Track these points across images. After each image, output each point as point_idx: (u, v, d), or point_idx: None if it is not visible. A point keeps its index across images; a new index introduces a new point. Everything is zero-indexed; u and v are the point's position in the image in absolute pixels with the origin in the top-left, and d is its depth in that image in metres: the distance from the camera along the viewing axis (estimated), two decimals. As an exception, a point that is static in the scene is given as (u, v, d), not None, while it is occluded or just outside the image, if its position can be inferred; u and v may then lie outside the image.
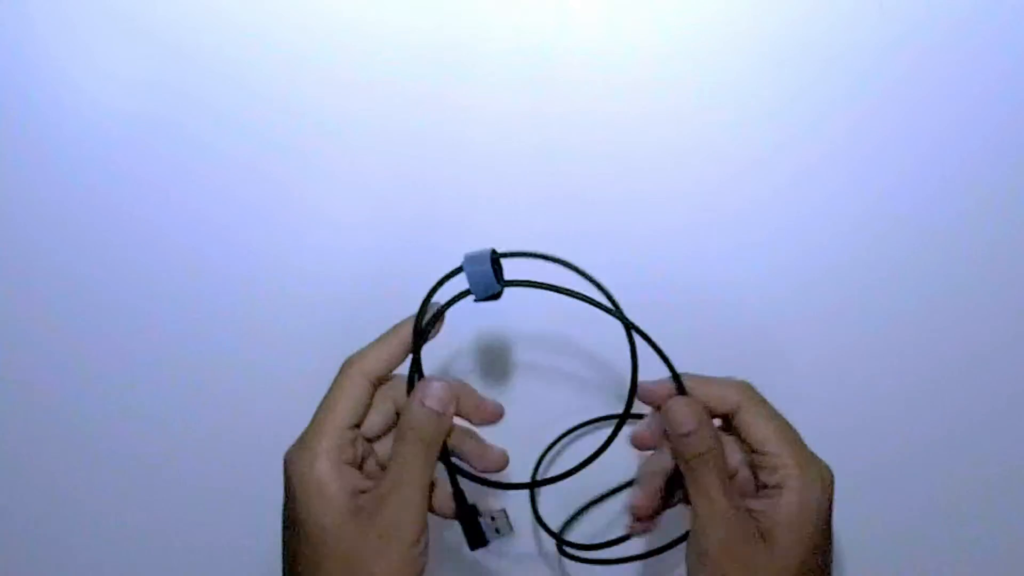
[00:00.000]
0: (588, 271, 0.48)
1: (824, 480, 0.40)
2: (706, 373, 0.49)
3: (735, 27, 0.55)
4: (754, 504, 0.40)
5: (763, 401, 0.41)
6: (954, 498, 0.52)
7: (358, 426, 0.41)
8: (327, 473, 0.39)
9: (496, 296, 0.42)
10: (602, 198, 0.54)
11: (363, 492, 0.40)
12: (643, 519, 0.43)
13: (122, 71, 0.56)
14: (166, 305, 0.54)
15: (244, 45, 0.55)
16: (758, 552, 0.38)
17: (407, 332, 0.42)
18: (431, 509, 0.42)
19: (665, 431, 0.41)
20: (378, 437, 0.43)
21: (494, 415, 0.44)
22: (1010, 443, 0.52)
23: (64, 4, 0.56)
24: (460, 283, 0.42)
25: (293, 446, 0.41)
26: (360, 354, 0.42)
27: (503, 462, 0.43)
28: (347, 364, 0.42)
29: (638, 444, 0.43)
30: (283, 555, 0.41)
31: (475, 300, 0.42)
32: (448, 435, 0.41)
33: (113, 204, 0.55)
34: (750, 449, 0.41)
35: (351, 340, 0.53)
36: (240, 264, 0.54)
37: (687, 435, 0.39)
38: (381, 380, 0.42)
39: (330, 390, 0.41)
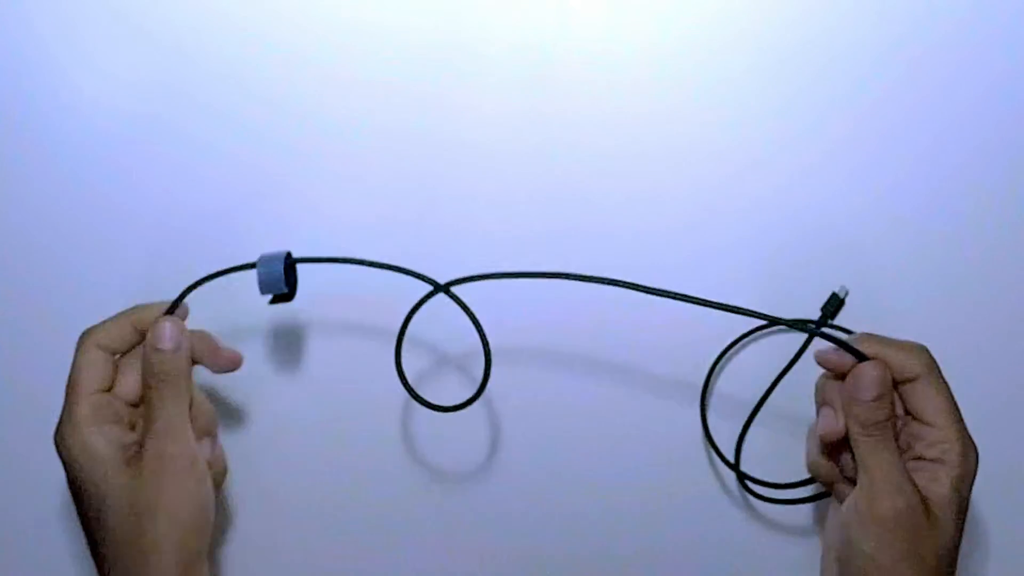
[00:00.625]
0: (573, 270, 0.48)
1: (976, 464, 0.40)
2: (706, 367, 0.50)
3: (735, 27, 0.55)
4: (912, 476, 0.40)
5: (940, 372, 0.42)
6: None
7: (108, 391, 0.43)
8: (90, 435, 0.41)
9: (287, 297, 0.46)
10: (602, 198, 0.54)
11: (131, 444, 0.42)
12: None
13: (122, 71, 0.56)
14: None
15: (244, 45, 0.55)
16: (924, 526, 0.38)
17: (143, 314, 0.45)
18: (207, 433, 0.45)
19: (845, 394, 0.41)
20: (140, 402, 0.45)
21: (231, 361, 0.46)
22: (1010, 443, 0.52)
23: (64, 4, 0.56)
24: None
25: (57, 426, 0.43)
26: (93, 328, 0.45)
27: (237, 362, 0.46)
28: (81, 337, 0.44)
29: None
30: (85, 534, 0.43)
31: (269, 302, 0.46)
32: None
33: (113, 204, 0.55)
34: (913, 418, 0.41)
35: (351, 339, 0.53)
36: (239, 263, 0.54)
37: (872, 400, 0.40)
38: (116, 352, 0.44)
39: (72, 365, 0.43)
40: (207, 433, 0.46)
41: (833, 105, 0.54)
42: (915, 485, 0.39)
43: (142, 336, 0.44)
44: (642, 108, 0.55)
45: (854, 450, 0.40)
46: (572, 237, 0.54)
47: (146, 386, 0.43)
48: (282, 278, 0.44)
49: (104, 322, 0.45)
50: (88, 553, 0.43)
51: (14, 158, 0.55)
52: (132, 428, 0.44)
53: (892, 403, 0.40)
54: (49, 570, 0.52)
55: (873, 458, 0.39)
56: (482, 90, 0.55)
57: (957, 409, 0.41)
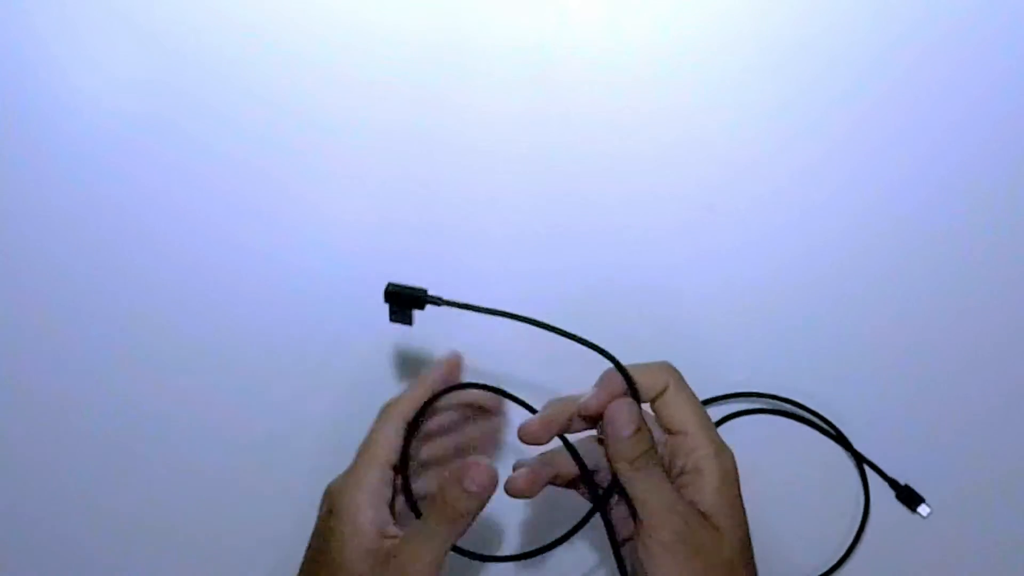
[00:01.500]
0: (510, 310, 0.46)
1: (734, 462, 0.40)
2: (707, 367, 0.49)
3: (735, 27, 0.55)
4: (683, 492, 0.40)
5: (686, 385, 0.42)
6: (954, 499, 0.52)
7: (395, 468, 0.43)
8: (365, 503, 0.41)
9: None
10: (601, 198, 0.54)
11: (390, 537, 0.41)
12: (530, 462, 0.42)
13: (122, 71, 0.56)
14: (166, 304, 0.54)
15: (244, 45, 0.55)
16: (707, 539, 0.39)
17: (434, 378, 0.45)
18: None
19: (599, 434, 0.41)
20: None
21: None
22: (1010, 443, 0.52)
23: (64, 4, 0.56)
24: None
25: (339, 478, 0.42)
26: (399, 398, 0.44)
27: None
28: (386, 407, 0.44)
29: (528, 438, 0.42)
30: (301, 570, 0.42)
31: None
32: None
33: (113, 204, 0.55)
34: (670, 433, 0.41)
35: (351, 339, 0.53)
36: (240, 263, 0.54)
37: (633, 435, 0.39)
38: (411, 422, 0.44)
39: (372, 431, 0.43)
40: None
41: (833, 105, 0.54)
42: (687, 503, 0.39)
43: (432, 396, 0.45)
44: (642, 108, 0.55)
45: (625, 487, 0.40)
46: (572, 237, 0.54)
47: (432, 507, 0.41)
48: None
49: (406, 394, 0.45)
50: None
51: (14, 158, 0.55)
52: (393, 503, 0.43)
53: (650, 432, 0.40)
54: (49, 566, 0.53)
55: (645, 489, 0.39)
56: (482, 90, 0.55)
57: (706, 416, 0.41)
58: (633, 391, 0.41)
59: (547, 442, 0.41)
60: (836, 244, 0.54)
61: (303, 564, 0.42)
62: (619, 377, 0.41)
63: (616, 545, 0.41)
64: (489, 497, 0.41)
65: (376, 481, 0.42)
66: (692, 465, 0.40)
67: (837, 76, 0.55)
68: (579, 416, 0.41)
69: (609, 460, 0.40)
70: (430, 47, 0.55)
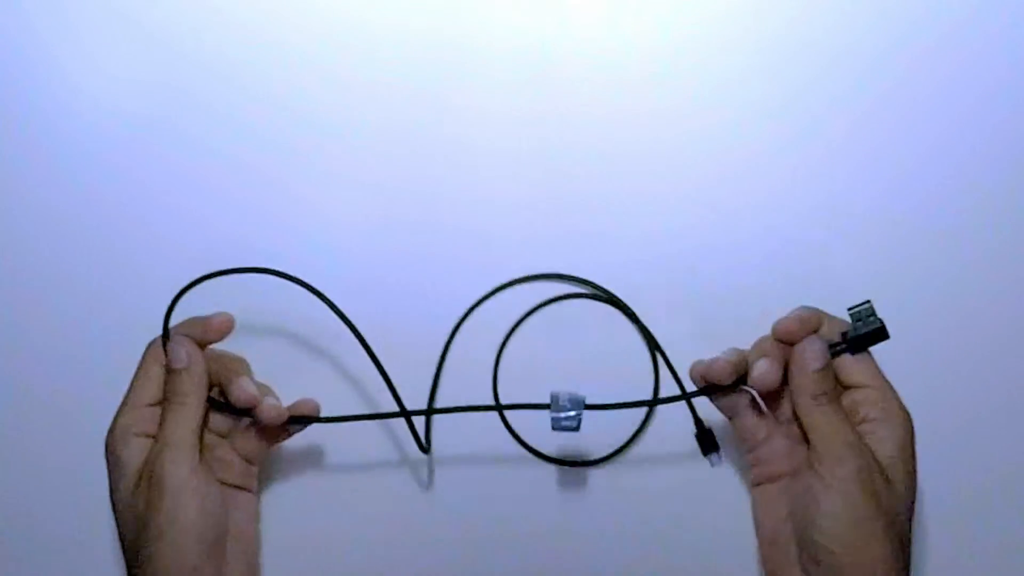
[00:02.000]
0: (582, 274, 0.51)
1: (913, 426, 0.41)
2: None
3: (735, 27, 0.55)
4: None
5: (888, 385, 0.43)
6: (954, 498, 0.52)
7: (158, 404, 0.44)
8: (122, 445, 0.43)
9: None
10: (601, 198, 0.54)
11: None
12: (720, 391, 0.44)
13: (122, 71, 0.56)
14: (165, 303, 0.54)
15: (244, 45, 0.55)
16: (882, 484, 0.40)
17: (197, 327, 0.46)
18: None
19: (786, 369, 0.42)
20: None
21: (223, 325, 0.46)
22: (1010, 443, 0.52)
23: (64, 4, 0.56)
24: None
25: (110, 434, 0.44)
26: (155, 342, 0.46)
27: (252, 401, 0.45)
28: (146, 349, 0.46)
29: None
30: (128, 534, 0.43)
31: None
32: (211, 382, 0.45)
33: (113, 204, 0.55)
34: (845, 386, 0.42)
35: (350, 338, 0.53)
36: (239, 264, 0.54)
37: (821, 370, 0.41)
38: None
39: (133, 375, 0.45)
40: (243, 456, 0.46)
41: (833, 105, 0.54)
42: (871, 450, 0.40)
43: (203, 346, 0.45)
44: (642, 108, 0.55)
45: (804, 420, 0.41)
46: (572, 236, 0.54)
47: (163, 402, 0.44)
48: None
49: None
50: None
51: (14, 158, 0.55)
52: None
53: (833, 373, 0.42)
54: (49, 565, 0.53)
55: (827, 425, 0.40)
56: (482, 90, 0.55)
57: (884, 376, 0.43)
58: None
59: (729, 378, 0.42)
60: (836, 244, 0.54)
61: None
62: (816, 316, 0.43)
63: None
64: (199, 369, 0.44)
65: (128, 423, 0.43)
66: (876, 415, 0.41)
67: (837, 76, 0.55)
68: (774, 333, 0.43)
69: (792, 392, 0.42)
70: (430, 47, 0.55)
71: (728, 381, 0.42)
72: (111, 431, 0.44)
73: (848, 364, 0.42)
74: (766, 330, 0.52)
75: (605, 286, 0.53)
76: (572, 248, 0.53)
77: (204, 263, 0.54)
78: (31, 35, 0.56)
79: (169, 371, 0.44)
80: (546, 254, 0.54)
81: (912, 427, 0.41)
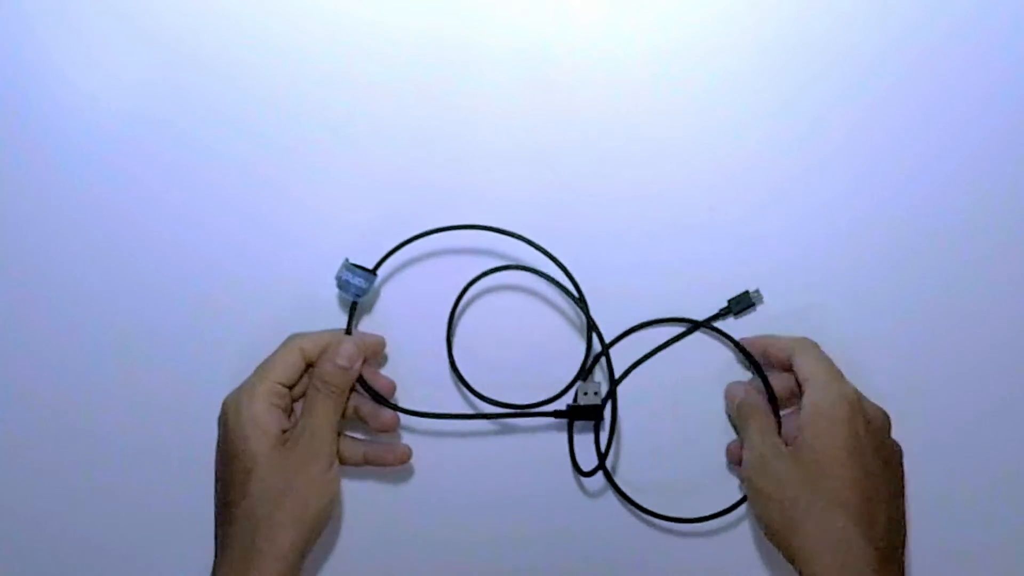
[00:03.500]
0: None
1: (847, 397, 0.46)
2: (709, 364, 0.53)
3: (735, 27, 0.55)
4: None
5: (815, 346, 0.50)
6: (954, 498, 0.52)
7: (290, 388, 0.49)
8: (262, 410, 0.47)
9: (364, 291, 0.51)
10: (602, 198, 0.54)
11: (286, 431, 0.48)
12: None
13: (122, 71, 0.56)
14: (166, 304, 0.54)
15: (244, 45, 0.55)
16: (784, 461, 0.46)
17: (341, 336, 0.51)
18: (340, 456, 0.50)
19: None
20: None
21: (379, 347, 0.52)
22: (1010, 443, 0.52)
23: (64, 4, 0.56)
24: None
25: (233, 392, 0.49)
26: (302, 334, 0.50)
27: (393, 426, 0.51)
28: (290, 338, 0.50)
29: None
30: (216, 491, 0.48)
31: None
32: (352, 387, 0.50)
33: (113, 204, 0.55)
34: (799, 386, 0.49)
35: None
36: (240, 264, 0.54)
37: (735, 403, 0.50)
38: (311, 360, 0.50)
39: (273, 354, 0.49)
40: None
41: (833, 105, 0.54)
42: (778, 440, 0.48)
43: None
44: (642, 108, 0.55)
45: (797, 366, 0.49)
46: (572, 236, 0.54)
47: (313, 388, 0.49)
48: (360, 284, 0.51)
49: (313, 333, 0.50)
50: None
51: (14, 158, 0.55)
52: (289, 417, 0.50)
53: (751, 391, 0.51)
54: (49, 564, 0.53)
55: (813, 361, 0.48)
56: (482, 90, 0.55)
57: (830, 365, 0.49)
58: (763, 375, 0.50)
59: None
60: (836, 244, 0.54)
61: (219, 488, 0.48)
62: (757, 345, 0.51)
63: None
64: (358, 369, 0.49)
65: (268, 391, 0.48)
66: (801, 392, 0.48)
67: (837, 76, 0.55)
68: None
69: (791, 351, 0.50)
70: (430, 47, 0.55)
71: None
72: (249, 394, 0.47)
73: (799, 366, 0.49)
74: (769, 329, 0.53)
75: (604, 284, 0.53)
76: (573, 248, 0.53)
77: (204, 263, 0.54)
78: (31, 35, 0.56)
79: (333, 363, 0.48)
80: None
81: (843, 399, 0.46)
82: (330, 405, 0.48)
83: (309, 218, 0.54)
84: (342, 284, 0.51)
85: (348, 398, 0.50)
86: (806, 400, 0.47)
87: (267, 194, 0.55)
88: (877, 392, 0.49)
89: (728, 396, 0.52)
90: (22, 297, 0.54)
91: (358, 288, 0.51)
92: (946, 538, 0.51)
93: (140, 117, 0.55)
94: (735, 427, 0.52)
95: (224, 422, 0.48)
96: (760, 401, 0.50)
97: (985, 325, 0.53)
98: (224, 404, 0.48)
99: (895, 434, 0.48)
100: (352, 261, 0.51)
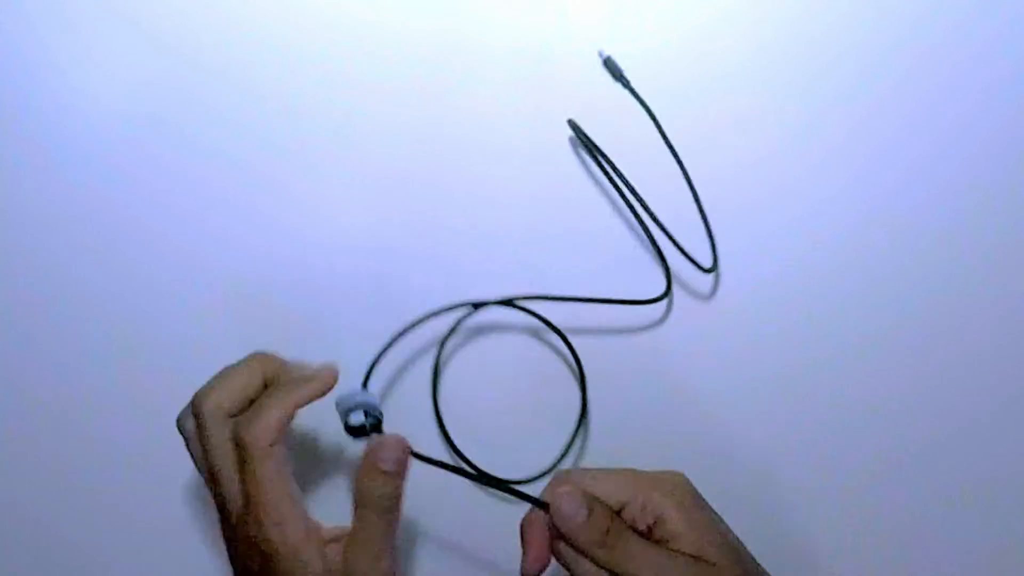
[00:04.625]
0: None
1: (687, 488, 0.39)
2: (707, 369, 0.51)
3: (735, 27, 0.55)
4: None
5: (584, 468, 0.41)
6: (953, 499, 0.52)
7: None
8: (294, 526, 0.40)
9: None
10: (601, 198, 0.54)
11: (318, 531, 0.41)
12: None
13: (122, 71, 0.56)
14: (165, 305, 0.54)
15: (244, 45, 0.55)
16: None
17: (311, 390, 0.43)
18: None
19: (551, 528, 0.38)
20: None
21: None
22: (1010, 443, 0.52)
23: (64, 4, 0.56)
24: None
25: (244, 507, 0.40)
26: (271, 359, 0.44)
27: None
28: (256, 356, 0.44)
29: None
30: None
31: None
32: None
33: (113, 204, 0.55)
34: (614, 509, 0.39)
35: (350, 339, 0.53)
36: (240, 264, 0.54)
37: (587, 519, 0.37)
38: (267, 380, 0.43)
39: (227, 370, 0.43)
40: None
41: (833, 105, 0.54)
42: (676, 556, 0.37)
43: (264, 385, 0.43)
44: (641, 108, 0.55)
45: (615, 570, 0.37)
46: (573, 236, 0.54)
47: (363, 505, 0.40)
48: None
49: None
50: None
51: (14, 158, 0.55)
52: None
53: (604, 506, 0.38)
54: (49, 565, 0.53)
55: (632, 564, 0.37)
56: (482, 90, 0.55)
57: (629, 470, 0.39)
58: (543, 506, 0.38)
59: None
60: (836, 245, 0.54)
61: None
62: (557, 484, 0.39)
63: None
64: (407, 467, 0.41)
65: (291, 489, 0.40)
66: (652, 517, 0.38)
67: (837, 76, 0.55)
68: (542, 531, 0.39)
69: (584, 554, 0.37)
70: (430, 47, 0.55)
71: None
72: (197, 411, 0.41)
73: (594, 490, 0.38)
74: (768, 330, 0.53)
75: (603, 284, 0.53)
76: (572, 247, 0.54)
77: (204, 263, 0.54)
78: (31, 35, 0.56)
79: (377, 472, 0.40)
80: (546, 253, 0.54)
81: (687, 491, 0.38)
82: (385, 523, 0.40)
83: (309, 218, 0.54)
84: (356, 426, 0.43)
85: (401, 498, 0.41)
86: (674, 519, 0.38)
87: (267, 194, 0.55)
88: (876, 392, 0.49)
89: (566, 509, 0.37)
90: (22, 297, 0.54)
91: (373, 409, 0.44)
92: (947, 538, 0.51)
93: (140, 117, 0.55)
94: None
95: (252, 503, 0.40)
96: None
97: (985, 325, 0.53)
98: (243, 440, 0.40)
99: (897, 434, 0.48)
100: (345, 407, 0.44)
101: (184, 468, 0.53)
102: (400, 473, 0.40)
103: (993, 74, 0.55)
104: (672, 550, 0.37)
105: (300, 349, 0.53)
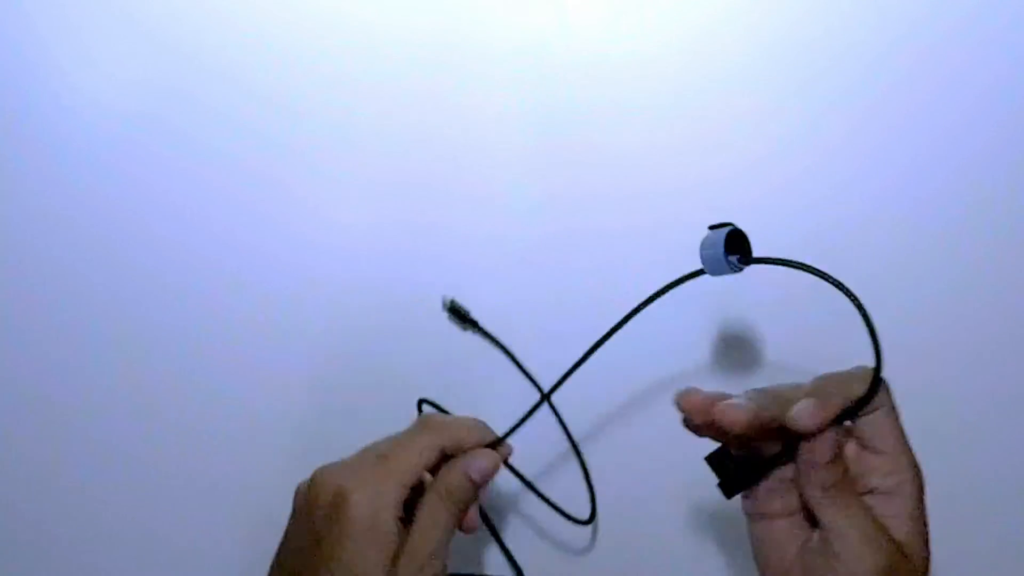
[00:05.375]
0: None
1: (924, 484, 0.39)
2: (712, 368, 0.50)
3: (735, 27, 0.55)
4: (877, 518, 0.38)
5: (893, 405, 0.40)
6: (953, 499, 0.52)
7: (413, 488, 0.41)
8: (392, 524, 0.39)
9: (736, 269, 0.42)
10: (601, 198, 0.54)
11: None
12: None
13: (121, 70, 0.56)
14: (165, 304, 0.54)
15: (244, 46, 0.55)
16: (905, 571, 0.37)
17: (477, 428, 0.43)
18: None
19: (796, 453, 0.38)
20: None
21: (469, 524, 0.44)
22: (1010, 443, 0.52)
23: (64, 4, 0.56)
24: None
25: (356, 482, 0.40)
26: (444, 424, 0.42)
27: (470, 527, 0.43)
28: (425, 428, 0.42)
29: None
30: (282, 565, 0.41)
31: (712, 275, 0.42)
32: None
33: (113, 203, 0.55)
34: (862, 445, 0.39)
35: (349, 340, 0.53)
36: (239, 264, 0.54)
37: (829, 464, 0.37)
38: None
39: (406, 448, 0.41)
40: None
41: (833, 105, 0.54)
42: (886, 534, 0.37)
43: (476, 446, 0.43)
44: (642, 108, 0.55)
45: (819, 515, 0.38)
46: (573, 236, 0.54)
47: (436, 495, 0.41)
48: (724, 261, 0.41)
49: (451, 424, 0.43)
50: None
51: (14, 158, 0.55)
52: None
53: (843, 456, 0.38)
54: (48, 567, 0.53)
55: (843, 518, 0.37)
56: (482, 90, 0.55)
57: (905, 435, 0.39)
58: (847, 412, 0.38)
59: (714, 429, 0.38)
60: (835, 244, 0.54)
61: (285, 556, 0.41)
62: (836, 390, 0.38)
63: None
64: (486, 485, 0.42)
65: (400, 500, 0.40)
66: (889, 487, 0.38)
67: (837, 76, 0.55)
68: (788, 425, 0.37)
69: (799, 483, 0.38)
70: (430, 47, 0.55)
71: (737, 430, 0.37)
72: (380, 495, 0.39)
73: (876, 425, 0.39)
74: (767, 330, 0.52)
75: (603, 284, 0.53)
76: (573, 247, 0.54)
77: (204, 263, 0.54)
78: (31, 35, 0.56)
79: (465, 479, 0.41)
80: (546, 253, 0.54)
81: (923, 487, 0.38)
82: (452, 520, 0.40)
83: (309, 217, 0.54)
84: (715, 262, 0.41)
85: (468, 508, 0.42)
86: (909, 504, 0.38)
87: (267, 194, 0.55)
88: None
89: (820, 448, 0.37)
90: (22, 297, 0.54)
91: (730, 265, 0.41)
92: (946, 538, 0.51)
93: (140, 117, 0.55)
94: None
95: (335, 518, 0.39)
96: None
97: (985, 325, 0.53)
98: (342, 495, 0.39)
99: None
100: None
101: (184, 468, 0.53)
102: (481, 484, 0.41)
103: (993, 74, 0.55)
104: (884, 530, 0.37)
105: (300, 349, 0.53)
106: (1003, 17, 0.55)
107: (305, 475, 0.52)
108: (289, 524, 0.42)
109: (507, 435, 0.43)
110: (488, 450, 0.42)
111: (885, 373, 0.49)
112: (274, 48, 0.55)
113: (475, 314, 0.53)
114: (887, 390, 0.40)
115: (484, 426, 0.44)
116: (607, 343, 0.42)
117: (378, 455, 0.41)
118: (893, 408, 0.40)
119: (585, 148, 0.55)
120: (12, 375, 0.54)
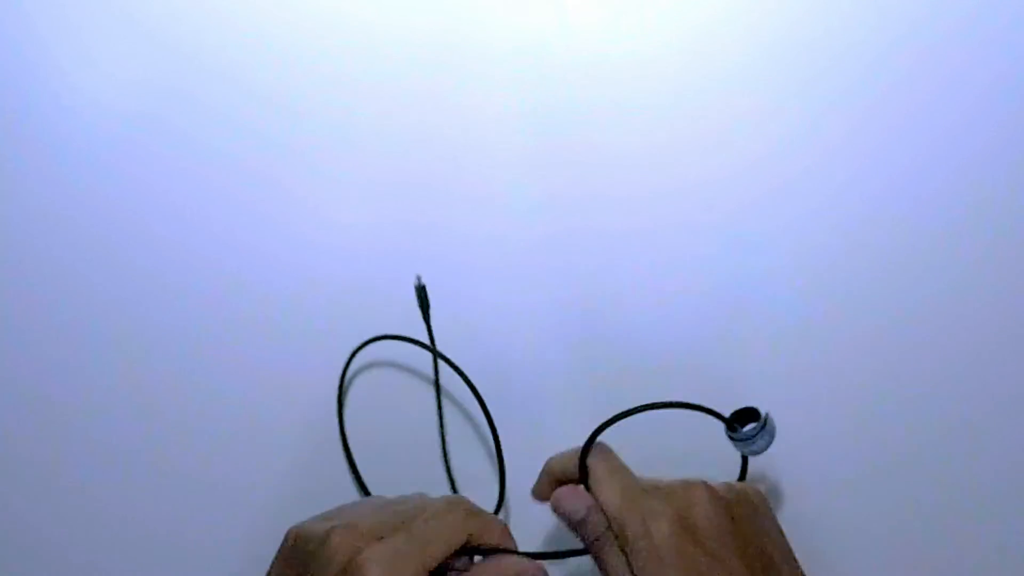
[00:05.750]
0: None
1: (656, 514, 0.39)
2: (705, 372, 0.50)
3: (735, 27, 0.55)
4: None
5: (606, 464, 0.41)
6: (953, 500, 0.52)
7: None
8: None
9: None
10: (601, 197, 0.54)
11: None
12: None
13: (121, 70, 0.56)
14: (165, 304, 0.54)
15: (244, 46, 0.56)
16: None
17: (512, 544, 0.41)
18: None
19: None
20: None
21: None
22: (1010, 443, 0.52)
23: (64, 4, 0.56)
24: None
25: (375, 554, 0.36)
26: (475, 511, 0.40)
27: None
28: (461, 508, 0.39)
29: None
30: None
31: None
32: None
33: (113, 203, 0.55)
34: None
35: (349, 340, 0.53)
36: (239, 264, 0.54)
37: (583, 520, 0.40)
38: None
39: (436, 519, 0.38)
40: None
41: (833, 105, 0.54)
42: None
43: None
44: (642, 108, 0.55)
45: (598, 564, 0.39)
46: (572, 236, 0.54)
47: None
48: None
49: (489, 523, 0.40)
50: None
51: (14, 158, 0.55)
52: None
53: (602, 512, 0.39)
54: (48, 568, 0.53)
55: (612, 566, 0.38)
56: (482, 90, 0.55)
57: (632, 489, 0.40)
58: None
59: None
60: (835, 245, 0.54)
61: None
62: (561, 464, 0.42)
63: None
64: None
65: None
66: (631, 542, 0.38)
67: (837, 76, 0.55)
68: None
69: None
70: (430, 47, 0.55)
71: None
72: (394, 564, 0.36)
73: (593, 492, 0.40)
74: (766, 330, 0.53)
75: (602, 283, 0.53)
76: (573, 247, 0.54)
77: (204, 263, 0.54)
78: (31, 35, 0.56)
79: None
80: (546, 253, 0.54)
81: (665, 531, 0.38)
82: None
83: (309, 217, 0.54)
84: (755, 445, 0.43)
85: None
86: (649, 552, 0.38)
87: (267, 194, 0.55)
88: (876, 392, 0.49)
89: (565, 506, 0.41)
90: (22, 297, 0.54)
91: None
92: (946, 539, 0.51)
93: (140, 117, 0.55)
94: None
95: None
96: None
97: (985, 325, 0.53)
98: (357, 565, 0.35)
99: (897, 434, 0.48)
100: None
101: (184, 468, 0.53)
102: None
103: (993, 74, 0.55)
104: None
105: (300, 349, 0.53)
106: (1003, 17, 0.55)
107: (306, 475, 0.53)
108: (281, 570, 0.39)
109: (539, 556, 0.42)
110: (534, 561, 0.39)
111: (887, 372, 0.49)
112: (274, 48, 0.55)
113: (474, 314, 0.53)
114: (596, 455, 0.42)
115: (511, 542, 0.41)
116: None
117: (403, 522, 0.38)
118: (604, 476, 0.41)
119: (585, 148, 0.55)
120: (12, 375, 0.54)
